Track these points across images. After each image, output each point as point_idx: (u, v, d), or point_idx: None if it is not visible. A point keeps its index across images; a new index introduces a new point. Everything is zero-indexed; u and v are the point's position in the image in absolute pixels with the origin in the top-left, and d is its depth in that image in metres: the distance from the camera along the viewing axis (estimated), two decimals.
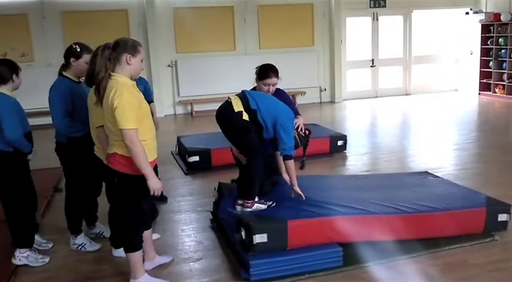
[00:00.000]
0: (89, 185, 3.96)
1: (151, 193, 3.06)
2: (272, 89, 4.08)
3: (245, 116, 3.72)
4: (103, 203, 4.01)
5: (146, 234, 3.43)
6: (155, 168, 3.33)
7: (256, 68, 4.20)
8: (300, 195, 3.78)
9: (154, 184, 3.03)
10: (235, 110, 3.71)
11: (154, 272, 3.50)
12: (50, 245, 4.02)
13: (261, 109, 3.74)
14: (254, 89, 4.18)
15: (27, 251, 3.74)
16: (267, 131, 3.81)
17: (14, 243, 3.74)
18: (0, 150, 3.52)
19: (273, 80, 4.06)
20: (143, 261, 3.40)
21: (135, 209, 3.20)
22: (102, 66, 2.99)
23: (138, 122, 2.95)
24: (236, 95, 3.86)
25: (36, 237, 3.93)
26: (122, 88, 2.93)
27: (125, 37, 3.16)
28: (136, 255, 3.26)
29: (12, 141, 3.48)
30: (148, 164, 3.00)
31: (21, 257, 3.71)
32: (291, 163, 3.76)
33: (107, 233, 4.03)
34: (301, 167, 4.07)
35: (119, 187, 3.20)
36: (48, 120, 3.75)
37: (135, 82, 3.14)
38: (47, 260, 3.79)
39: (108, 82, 2.99)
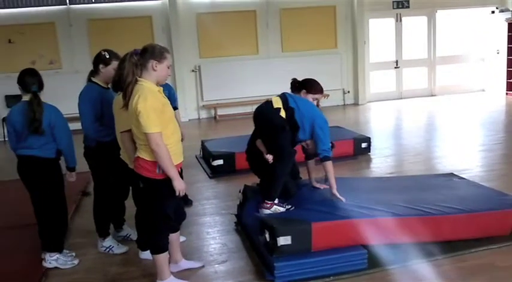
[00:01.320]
0: (117, 188, 4.03)
1: (177, 194, 3.13)
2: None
3: (282, 113, 3.79)
4: (130, 207, 4.09)
5: (173, 236, 3.48)
6: (180, 172, 3.38)
7: (294, 80, 4.24)
8: (340, 199, 3.81)
9: (179, 185, 3.11)
10: (274, 106, 3.81)
11: (181, 274, 3.55)
12: (74, 254, 3.98)
13: (299, 108, 3.83)
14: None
15: (56, 254, 3.82)
16: (303, 131, 3.87)
17: (45, 247, 3.83)
18: (46, 157, 3.64)
19: (322, 96, 4.18)
20: (169, 263, 3.46)
21: (160, 212, 3.25)
22: (130, 71, 3.05)
23: (162, 125, 3.01)
24: (277, 95, 3.97)
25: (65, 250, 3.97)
26: (146, 93, 2.99)
27: (153, 43, 3.20)
28: (162, 257, 3.31)
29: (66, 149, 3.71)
30: (173, 165, 3.07)
31: (51, 260, 3.80)
32: (330, 165, 3.80)
33: (134, 236, 4.10)
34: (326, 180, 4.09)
35: (144, 191, 3.27)
36: (76, 125, 3.84)
37: (161, 88, 3.20)
38: (76, 262, 3.88)
39: (134, 87, 3.06)
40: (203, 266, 3.72)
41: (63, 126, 3.67)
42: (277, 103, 3.86)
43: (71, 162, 3.81)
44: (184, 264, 3.65)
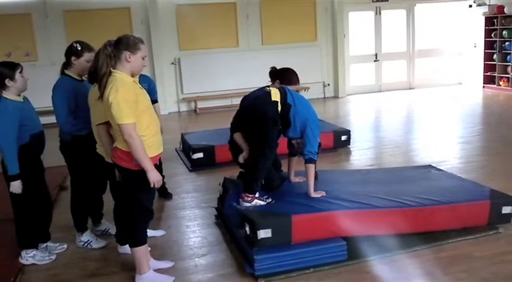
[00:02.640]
0: (94, 182, 3.98)
1: (152, 185, 3.09)
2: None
3: (279, 107, 3.78)
4: (108, 201, 4.04)
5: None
6: (160, 165, 3.35)
7: (272, 68, 4.19)
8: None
9: (154, 177, 3.07)
10: (272, 99, 3.77)
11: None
12: (65, 246, 4.00)
13: (296, 106, 3.81)
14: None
15: (33, 250, 3.76)
16: (294, 130, 3.87)
17: (19, 244, 3.76)
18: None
19: (298, 86, 4.15)
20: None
21: (137, 204, 3.22)
22: (104, 63, 3.03)
23: (135, 117, 2.98)
24: (276, 88, 3.92)
25: (49, 243, 3.93)
26: (118, 84, 2.97)
27: (128, 34, 3.17)
28: (141, 250, 3.29)
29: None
30: (147, 157, 3.02)
31: (28, 257, 3.73)
32: (312, 168, 3.79)
33: (113, 230, 4.05)
34: (316, 177, 4.05)
35: (121, 182, 3.25)
36: (52, 119, 3.76)
37: (136, 78, 3.17)
38: (53, 257, 3.82)
39: (108, 79, 3.02)
40: (173, 266, 3.61)
41: None
42: (276, 96, 3.79)
43: (8, 168, 3.49)
44: (154, 264, 3.51)
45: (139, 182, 3.13)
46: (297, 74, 4.15)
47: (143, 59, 3.13)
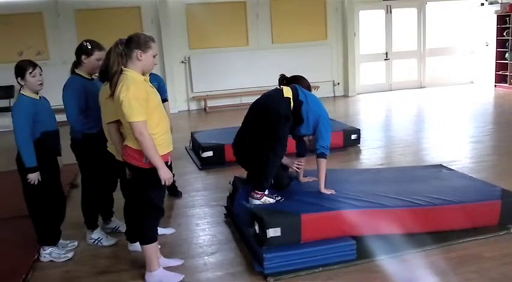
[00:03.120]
0: (105, 180, 4.00)
1: (162, 183, 3.11)
2: None
3: (291, 104, 3.81)
4: (118, 199, 4.06)
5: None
6: (170, 163, 3.37)
7: (282, 76, 4.21)
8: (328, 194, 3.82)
9: (165, 174, 3.08)
10: (285, 95, 3.80)
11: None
12: (76, 243, 4.03)
13: (308, 102, 3.85)
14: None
15: (50, 247, 3.78)
16: (307, 126, 3.89)
17: (39, 241, 3.79)
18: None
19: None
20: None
21: (148, 202, 3.24)
22: (115, 61, 3.05)
23: (146, 115, 3.00)
24: (288, 86, 3.96)
25: (61, 240, 3.91)
26: (129, 82, 2.99)
27: (138, 33, 3.18)
28: (152, 248, 3.31)
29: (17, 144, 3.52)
30: (157, 155, 3.04)
31: (45, 254, 3.77)
32: (323, 163, 3.80)
33: (123, 228, 4.08)
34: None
35: (132, 180, 3.28)
36: (64, 117, 3.78)
37: (147, 77, 3.19)
38: (70, 255, 3.83)
39: (119, 77, 3.05)
40: (182, 264, 3.63)
41: (13, 123, 3.50)
42: (288, 93, 3.85)
43: (25, 160, 3.53)
44: (164, 262, 3.53)
45: (150, 180, 3.14)
46: (307, 80, 4.16)
47: (154, 57, 3.16)
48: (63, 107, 3.76)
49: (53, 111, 3.79)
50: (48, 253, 3.78)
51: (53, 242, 3.81)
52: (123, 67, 3.06)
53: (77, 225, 4.29)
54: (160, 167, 3.06)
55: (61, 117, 3.78)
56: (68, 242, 4.00)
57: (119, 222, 4.26)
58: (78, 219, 4.20)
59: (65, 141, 3.89)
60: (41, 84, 3.59)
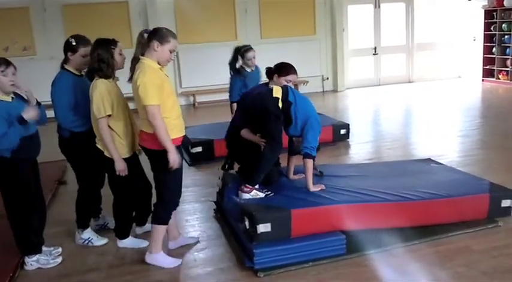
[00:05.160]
0: (97, 178, 3.94)
1: (171, 166, 3.25)
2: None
3: (280, 104, 3.82)
4: (106, 195, 4.01)
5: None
6: (181, 148, 3.50)
7: (268, 68, 4.23)
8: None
9: (174, 157, 3.25)
10: (274, 95, 3.83)
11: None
12: (60, 250, 3.84)
13: (297, 104, 3.86)
14: (267, 84, 4.16)
15: (35, 255, 3.62)
16: (295, 127, 3.90)
17: (22, 251, 3.61)
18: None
19: (295, 77, 4.12)
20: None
21: (170, 182, 3.42)
22: (138, 49, 3.36)
23: (160, 100, 3.19)
24: (278, 86, 3.98)
25: (44, 247, 3.72)
26: (146, 69, 3.20)
27: (162, 27, 3.38)
28: (162, 229, 3.48)
29: None
30: (169, 138, 3.22)
31: (32, 261, 3.59)
32: (310, 163, 3.80)
33: (112, 224, 4.04)
34: (322, 174, 4.20)
35: (151, 162, 3.45)
36: (51, 113, 3.71)
37: (163, 67, 3.34)
38: (59, 260, 3.69)
39: (137, 64, 3.28)
40: (198, 242, 3.88)
41: None
42: (277, 92, 3.85)
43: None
44: (182, 240, 3.82)
45: (166, 163, 3.27)
46: (293, 65, 4.15)
47: (171, 52, 3.31)
48: (50, 102, 3.70)
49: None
50: (35, 260, 3.60)
51: (38, 250, 3.64)
52: (140, 56, 3.29)
53: (65, 222, 4.23)
54: (170, 150, 3.22)
55: (49, 114, 3.68)
56: (51, 248, 3.80)
57: (107, 218, 4.21)
58: (66, 215, 4.16)
59: (54, 137, 3.83)
60: (13, 85, 3.30)
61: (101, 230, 4.14)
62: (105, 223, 4.22)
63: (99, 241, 3.95)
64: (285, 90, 3.89)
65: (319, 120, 3.94)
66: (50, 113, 3.66)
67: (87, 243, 3.94)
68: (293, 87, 4.07)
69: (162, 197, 3.46)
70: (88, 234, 3.96)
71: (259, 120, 3.85)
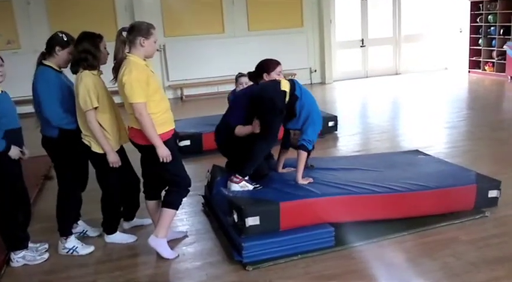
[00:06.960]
0: (81, 180, 3.82)
1: (161, 160, 3.29)
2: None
3: (287, 98, 3.84)
4: (90, 191, 3.95)
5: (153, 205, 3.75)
6: (174, 139, 3.52)
7: (249, 73, 4.26)
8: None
9: (162, 152, 3.28)
10: (282, 88, 3.84)
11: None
12: (47, 246, 3.78)
13: (302, 98, 3.87)
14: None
15: (22, 251, 3.57)
16: (297, 121, 3.92)
17: (8, 247, 3.57)
18: None
19: (281, 67, 4.14)
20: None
21: (170, 174, 3.46)
22: (119, 48, 3.33)
23: (147, 96, 3.22)
24: (287, 79, 4.00)
25: (30, 244, 3.67)
26: (131, 66, 3.22)
27: (140, 21, 3.47)
28: (172, 213, 3.54)
29: None
30: (156, 134, 3.25)
31: (18, 258, 3.55)
32: (304, 155, 3.82)
33: (91, 232, 3.96)
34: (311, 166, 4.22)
35: (144, 157, 3.53)
36: (31, 108, 3.60)
37: (148, 62, 3.38)
38: (46, 256, 3.65)
39: (123, 62, 3.29)
40: (186, 236, 3.89)
41: None
42: (285, 86, 3.86)
43: None
44: (170, 234, 3.74)
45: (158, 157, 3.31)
46: (272, 58, 4.17)
47: (155, 43, 3.38)
48: (31, 98, 3.58)
49: (15, 107, 3.50)
50: (22, 257, 3.55)
51: (24, 245, 3.59)
52: (126, 53, 3.31)
53: (52, 217, 4.15)
54: (159, 146, 3.26)
55: (28, 109, 3.57)
56: (38, 245, 3.75)
57: (86, 226, 4.02)
58: (53, 211, 4.09)
59: (33, 133, 3.75)
60: (1, 75, 3.31)
61: (80, 238, 3.86)
62: (83, 231, 4.01)
63: (85, 250, 3.72)
64: (293, 84, 3.92)
65: (320, 117, 3.98)
66: (29, 109, 3.55)
67: (72, 252, 3.69)
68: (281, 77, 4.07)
69: (174, 183, 3.51)
70: (72, 242, 3.71)
71: (262, 111, 3.83)
